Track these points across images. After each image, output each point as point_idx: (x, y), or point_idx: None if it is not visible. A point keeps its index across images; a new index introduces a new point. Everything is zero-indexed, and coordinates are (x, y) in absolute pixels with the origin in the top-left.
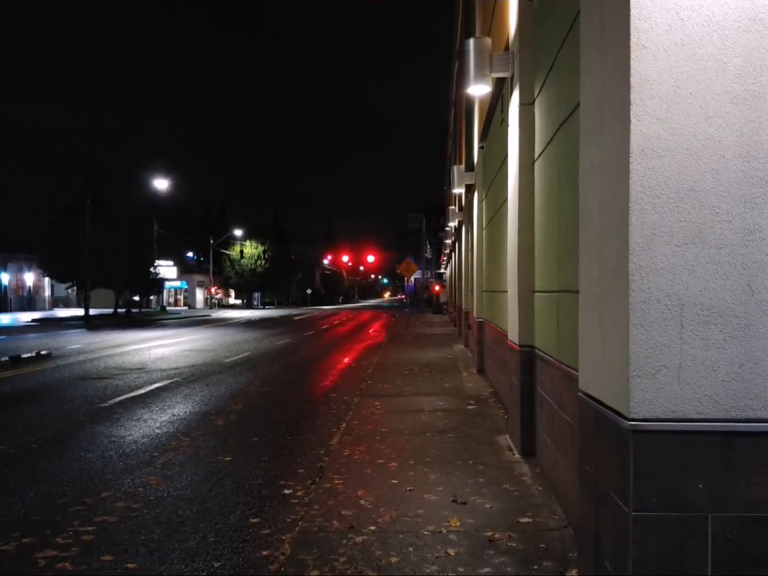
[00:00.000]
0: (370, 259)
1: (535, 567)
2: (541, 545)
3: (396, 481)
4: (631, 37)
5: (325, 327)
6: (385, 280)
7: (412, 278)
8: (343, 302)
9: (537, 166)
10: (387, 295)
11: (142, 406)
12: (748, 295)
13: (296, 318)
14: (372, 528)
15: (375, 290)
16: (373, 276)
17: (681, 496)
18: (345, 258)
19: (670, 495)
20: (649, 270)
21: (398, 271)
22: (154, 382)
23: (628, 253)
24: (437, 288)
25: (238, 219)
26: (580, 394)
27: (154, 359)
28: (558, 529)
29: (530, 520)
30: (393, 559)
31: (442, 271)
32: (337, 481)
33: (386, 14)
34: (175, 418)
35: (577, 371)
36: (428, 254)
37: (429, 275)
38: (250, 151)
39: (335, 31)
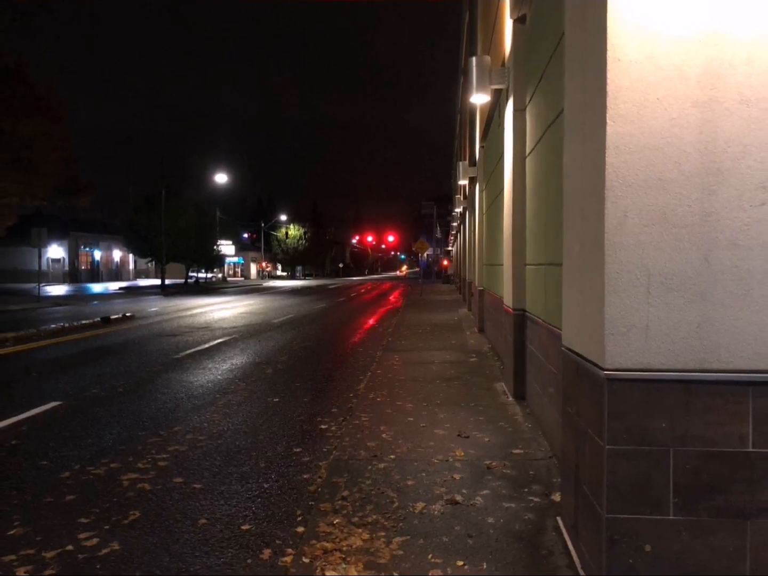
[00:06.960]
0: (390, 238)
1: (526, 490)
2: (531, 472)
3: (411, 419)
4: (608, 52)
5: (353, 294)
6: (403, 256)
7: (425, 254)
8: (369, 274)
9: (528, 161)
10: (404, 268)
11: (207, 358)
12: (704, 266)
13: (330, 287)
14: (392, 457)
15: (394, 264)
16: (393, 252)
17: (647, 433)
18: (369, 238)
19: (638, 432)
20: (621, 246)
21: (414, 249)
22: (217, 338)
23: (604, 232)
24: (446, 262)
25: (283, 206)
26: (563, 348)
27: (217, 320)
28: (544, 459)
29: (521, 451)
30: (409, 482)
31: (449, 248)
32: (363, 419)
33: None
34: (234, 367)
35: (561, 330)
36: (438, 235)
37: (439, 252)
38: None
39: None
